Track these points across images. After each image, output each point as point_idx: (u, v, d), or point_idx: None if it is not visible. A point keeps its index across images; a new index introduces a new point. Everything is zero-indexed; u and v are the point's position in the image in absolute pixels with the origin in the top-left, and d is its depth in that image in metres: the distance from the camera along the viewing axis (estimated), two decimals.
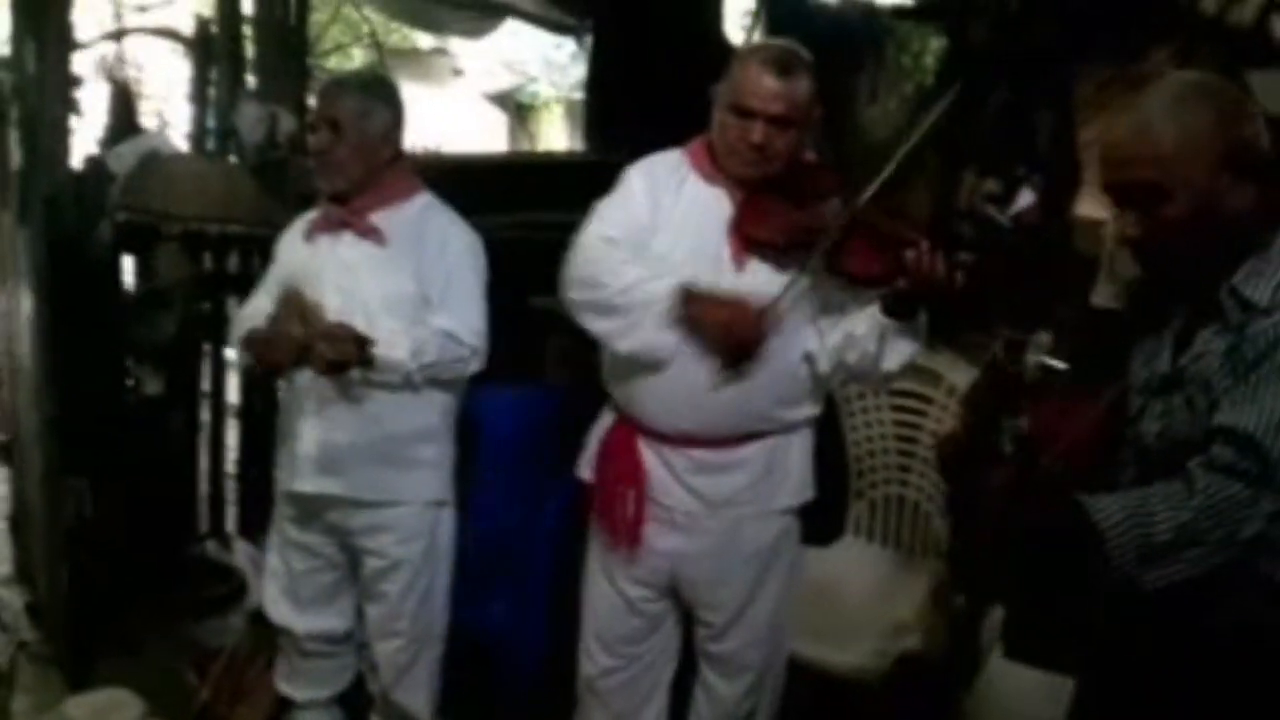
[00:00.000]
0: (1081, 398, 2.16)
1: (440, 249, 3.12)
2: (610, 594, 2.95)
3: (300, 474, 3.14)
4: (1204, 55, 3.37)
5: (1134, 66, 3.44)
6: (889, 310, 2.66)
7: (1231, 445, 1.88)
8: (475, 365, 3.12)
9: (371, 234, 3.10)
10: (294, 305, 3.02)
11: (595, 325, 2.78)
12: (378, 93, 3.18)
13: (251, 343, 3.12)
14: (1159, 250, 2.01)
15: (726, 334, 2.68)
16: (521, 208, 4.43)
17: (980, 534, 2.12)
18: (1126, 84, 3.39)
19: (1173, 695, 2.06)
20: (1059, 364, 2.13)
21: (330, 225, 3.15)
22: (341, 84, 3.23)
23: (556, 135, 13.24)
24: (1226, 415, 1.91)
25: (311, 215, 3.23)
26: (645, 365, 2.77)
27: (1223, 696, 2.01)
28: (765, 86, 2.67)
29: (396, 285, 3.08)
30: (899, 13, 4.76)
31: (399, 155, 3.20)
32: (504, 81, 12.79)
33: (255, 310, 3.19)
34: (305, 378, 3.07)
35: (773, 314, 2.68)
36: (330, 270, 3.10)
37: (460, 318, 3.09)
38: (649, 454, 2.84)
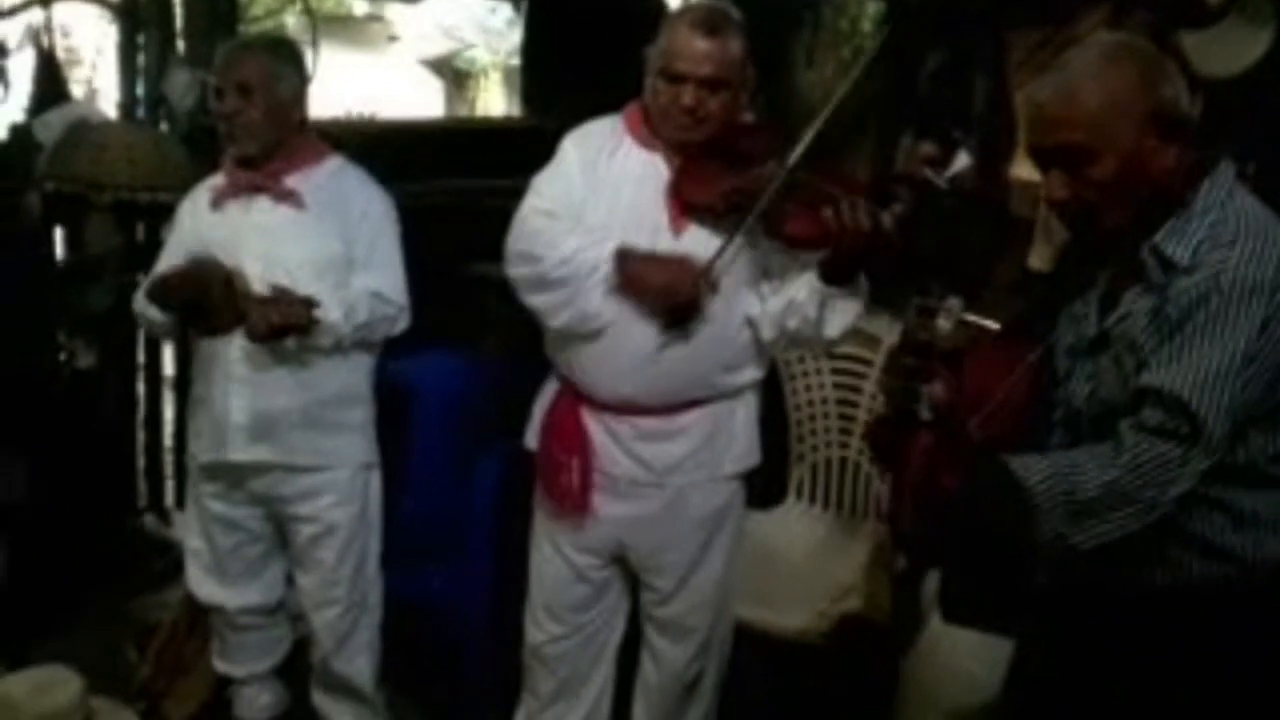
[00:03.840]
0: (1008, 357, 2.18)
1: (364, 210, 3.12)
2: (557, 562, 2.95)
3: (231, 443, 3.11)
4: (1136, 17, 3.39)
5: (1067, 29, 3.45)
6: (827, 277, 2.66)
7: (1160, 406, 1.91)
8: (402, 324, 3.15)
9: (289, 198, 3.08)
10: (212, 272, 2.97)
11: (533, 300, 2.79)
12: (286, 55, 3.16)
13: (162, 285, 3.04)
14: (1085, 211, 2.03)
15: (666, 294, 2.67)
16: (457, 174, 4.41)
17: (906, 500, 2.14)
18: (1059, 47, 3.39)
19: (1110, 655, 2.09)
20: (992, 324, 2.15)
21: (241, 191, 3.11)
22: (248, 47, 3.20)
23: (494, 101, 13.14)
24: (1154, 376, 1.93)
25: (215, 182, 3.19)
26: (582, 336, 2.76)
27: (1160, 655, 2.04)
28: (694, 48, 2.66)
29: (321, 248, 3.06)
30: None
31: (306, 119, 3.17)
32: (440, 47, 12.67)
33: None
34: (232, 346, 3.04)
35: (712, 272, 2.68)
36: (247, 237, 3.06)
37: (386, 277, 3.11)
38: (594, 423, 2.84)
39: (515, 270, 2.80)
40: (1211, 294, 1.90)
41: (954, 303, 2.06)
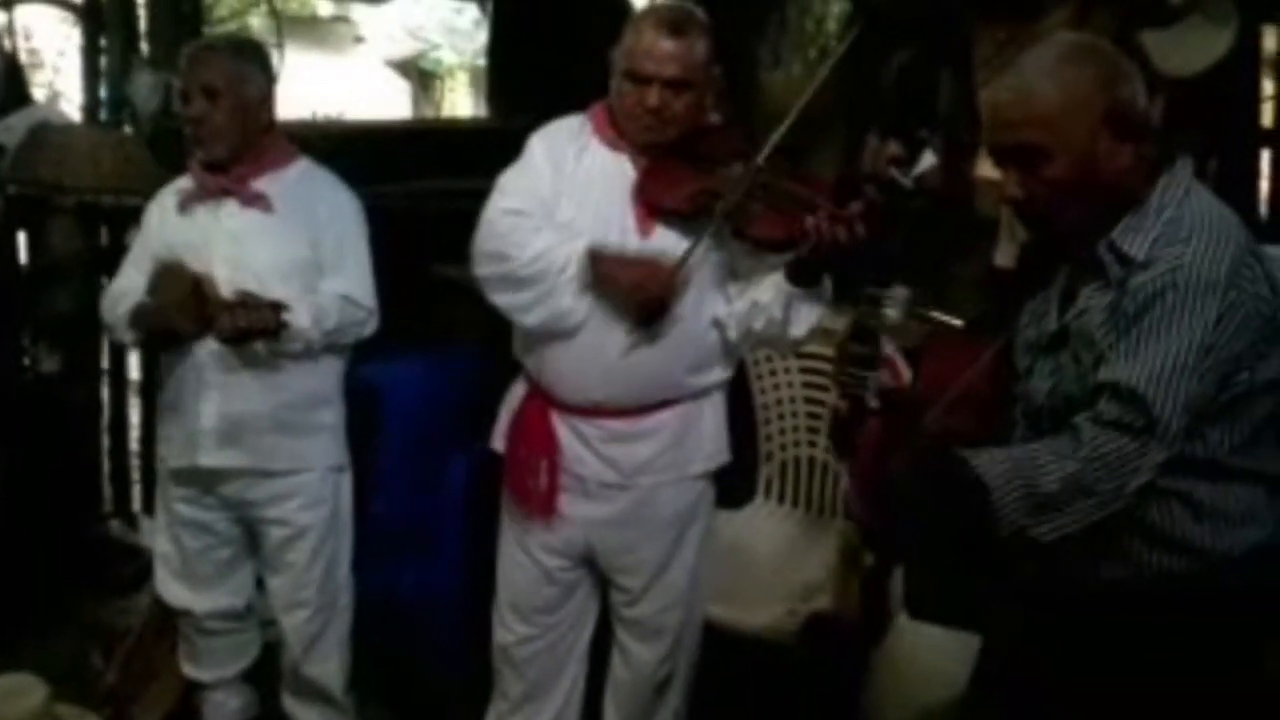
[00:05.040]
0: (971, 353, 2.19)
1: (332, 213, 3.11)
2: (526, 564, 2.94)
3: (201, 448, 3.10)
4: (1100, 15, 3.41)
5: (1031, 27, 3.47)
6: (794, 278, 2.66)
7: (1117, 400, 1.92)
8: (371, 327, 3.15)
9: (257, 201, 3.07)
10: (180, 278, 2.96)
11: (504, 299, 2.77)
12: (251, 56, 3.14)
13: (142, 317, 3.05)
14: (1041, 210, 2.04)
15: (637, 292, 2.67)
16: (425, 175, 4.40)
17: (856, 490, 2.16)
18: (1023, 44, 3.42)
19: (1074, 649, 2.10)
20: (955, 320, 2.17)
21: (209, 195, 3.09)
22: (213, 49, 3.18)
23: (460, 102, 13.13)
24: (1111, 370, 1.94)
25: (182, 185, 3.17)
26: (555, 336, 2.76)
27: (1123, 649, 2.05)
28: (659, 49, 2.66)
29: (290, 252, 3.05)
30: None
31: (273, 121, 3.15)
32: (406, 48, 12.65)
33: (127, 286, 3.13)
34: (202, 350, 3.02)
35: (682, 270, 2.68)
36: (215, 241, 3.05)
37: (354, 281, 3.10)
38: (562, 425, 2.84)
39: (484, 270, 2.78)
40: (1167, 289, 1.91)
41: (901, 291, 2.09)
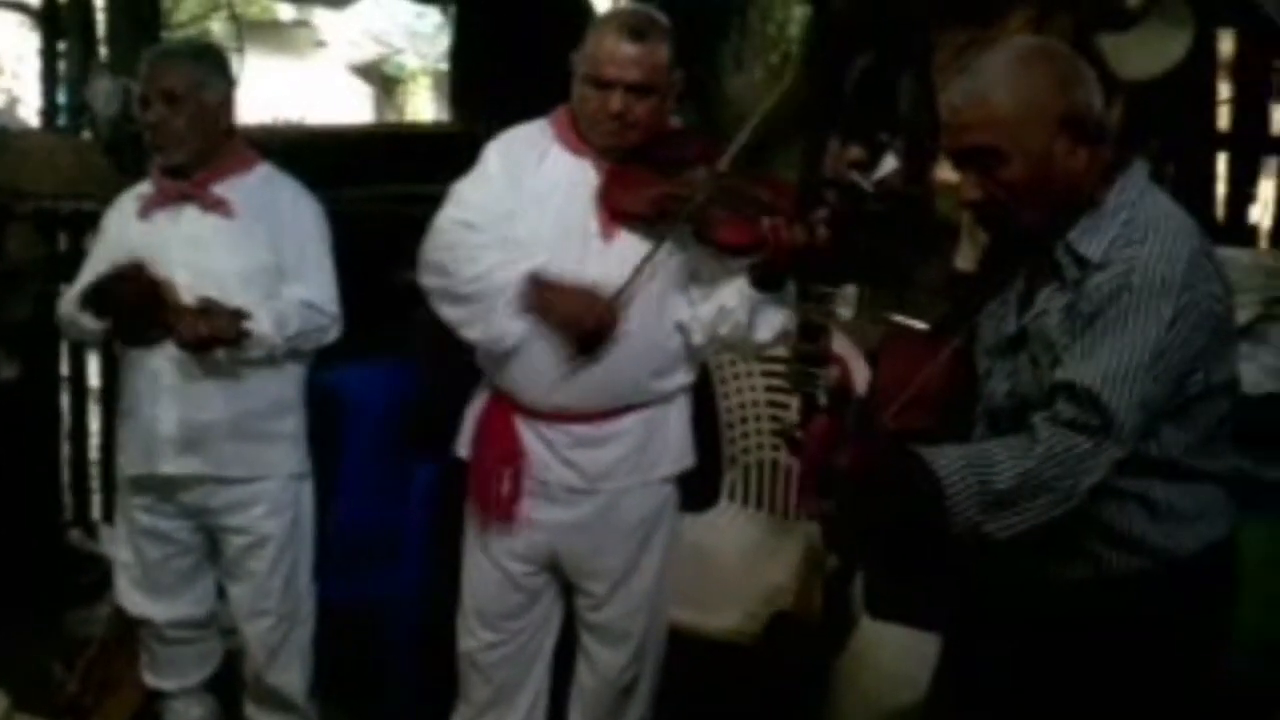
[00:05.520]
0: (930, 354, 2.20)
1: (293, 218, 3.11)
2: (490, 570, 2.94)
3: (160, 455, 3.08)
4: (1059, 19, 3.44)
5: (991, 31, 3.49)
6: (757, 282, 2.67)
7: (1073, 400, 1.93)
8: (334, 334, 3.14)
9: (218, 207, 3.05)
10: (142, 282, 2.94)
11: (444, 312, 2.79)
12: (211, 61, 3.14)
13: (97, 293, 3.00)
14: (999, 212, 2.05)
15: (574, 324, 2.68)
16: (387, 180, 4.40)
17: (802, 484, 2.18)
18: (983, 48, 3.44)
19: (1033, 648, 2.11)
20: (919, 324, 2.18)
21: (169, 200, 3.08)
22: (172, 54, 3.17)
23: (423, 106, 13.11)
24: (1067, 370, 1.96)
25: (142, 190, 3.15)
26: (495, 352, 2.77)
27: (1081, 648, 2.07)
28: (621, 53, 2.66)
29: (251, 258, 3.04)
30: None
31: (234, 126, 3.14)
32: (368, 53, 12.64)
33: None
34: (161, 356, 3.00)
35: (621, 300, 2.69)
36: (175, 247, 3.04)
37: (317, 287, 3.09)
38: (526, 431, 2.83)
39: (427, 280, 2.80)
40: (1122, 290, 1.93)
41: (850, 290, 2.11)
